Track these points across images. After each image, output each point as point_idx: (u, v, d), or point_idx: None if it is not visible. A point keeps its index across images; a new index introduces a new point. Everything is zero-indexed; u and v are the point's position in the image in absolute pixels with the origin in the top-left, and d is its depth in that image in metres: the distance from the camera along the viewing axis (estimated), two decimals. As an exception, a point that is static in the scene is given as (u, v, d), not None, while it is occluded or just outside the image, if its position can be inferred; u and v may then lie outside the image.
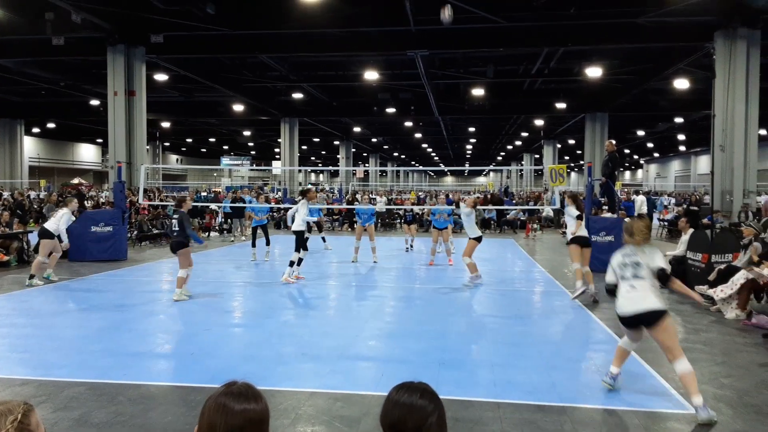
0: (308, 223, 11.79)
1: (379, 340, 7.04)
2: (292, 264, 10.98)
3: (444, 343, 6.85)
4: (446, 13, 12.79)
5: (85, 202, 20.71)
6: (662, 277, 4.76)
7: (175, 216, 9.49)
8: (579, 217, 9.54)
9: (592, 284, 9.29)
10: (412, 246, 16.34)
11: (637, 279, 4.78)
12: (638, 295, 4.76)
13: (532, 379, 5.51)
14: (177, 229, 9.29)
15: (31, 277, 10.43)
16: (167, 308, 8.87)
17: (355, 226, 15.71)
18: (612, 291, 5.07)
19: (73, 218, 11.86)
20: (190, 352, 6.41)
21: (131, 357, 6.16)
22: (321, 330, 7.48)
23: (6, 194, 26.88)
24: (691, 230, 10.62)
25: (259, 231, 14.61)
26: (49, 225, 10.78)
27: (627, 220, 6.00)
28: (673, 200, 29.46)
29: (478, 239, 10.90)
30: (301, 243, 10.86)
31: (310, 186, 25.32)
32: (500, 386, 5.29)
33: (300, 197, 11.38)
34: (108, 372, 5.60)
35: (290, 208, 12.31)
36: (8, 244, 12.95)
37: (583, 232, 9.61)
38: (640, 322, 4.85)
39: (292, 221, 11.11)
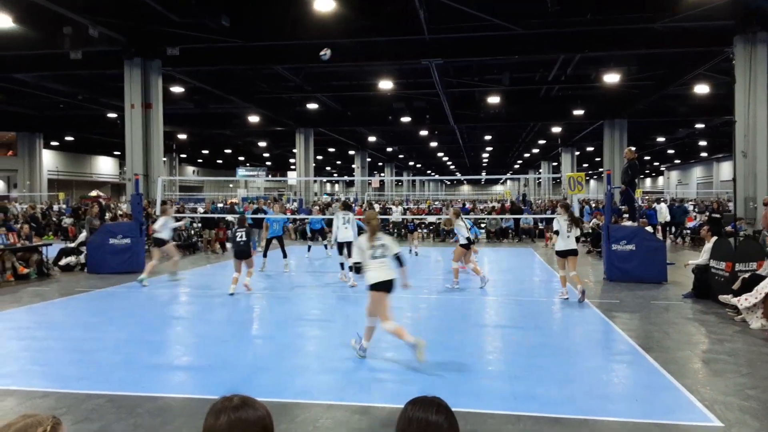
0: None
1: (396, 351, 6.97)
2: (351, 269, 11.54)
3: (462, 354, 6.76)
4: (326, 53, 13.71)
5: (106, 214, 20.96)
6: (400, 259, 6.33)
7: (242, 229, 10.93)
8: (555, 232, 10.29)
9: (580, 284, 10.03)
10: (416, 253, 16.79)
11: (385, 257, 6.28)
12: (387, 268, 6.36)
13: (552, 390, 5.41)
14: (244, 239, 10.77)
15: (141, 280, 11.71)
16: (184, 320, 8.90)
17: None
18: (359, 269, 6.56)
19: (173, 222, 13.04)
20: (207, 364, 6.40)
21: (149, 369, 6.16)
22: (337, 341, 7.43)
23: (20, 207, 27.28)
24: (714, 238, 10.44)
25: (275, 242, 14.45)
26: (161, 234, 12.06)
27: (369, 211, 8.76)
28: (691, 206, 28.68)
29: (465, 246, 11.58)
30: (349, 250, 11.72)
31: (348, 198, 26.16)
32: (519, 399, 5.20)
33: (345, 209, 12.42)
34: (127, 384, 5.60)
35: (305, 218, 12.89)
36: (28, 257, 13.10)
37: (561, 244, 10.14)
38: (390, 288, 6.33)
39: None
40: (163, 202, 14.56)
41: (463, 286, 11.68)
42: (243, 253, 10.79)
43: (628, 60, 20.64)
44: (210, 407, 1.64)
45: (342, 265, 12.36)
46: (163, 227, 12.15)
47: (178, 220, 14.38)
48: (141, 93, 17.66)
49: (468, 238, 11.65)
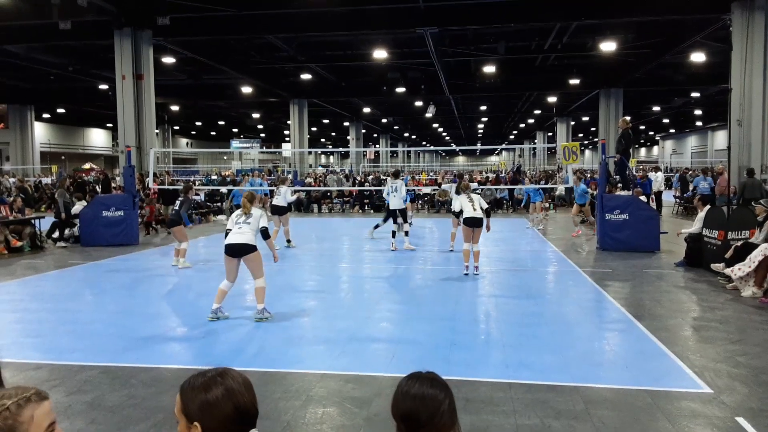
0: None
1: (389, 322, 7.01)
2: (407, 233, 12.71)
3: (455, 324, 6.81)
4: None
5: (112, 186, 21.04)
6: (264, 233, 7.02)
7: (180, 198, 10.90)
8: (458, 214, 10.06)
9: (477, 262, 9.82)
10: (410, 224, 16.63)
11: (246, 224, 6.96)
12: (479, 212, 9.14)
13: (544, 359, 5.46)
14: (176, 208, 10.75)
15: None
16: (178, 292, 8.91)
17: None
18: (457, 215, 9.70)
19: (291, 193, 13.61)
20: (201, 335, 6.42)
21: (143, 340, 6.18)
22: (331, 312, 7.47)
23: (12, 180, 27.10)
24: (706, 207, 10.45)
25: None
26: (278, 202, 12.69)
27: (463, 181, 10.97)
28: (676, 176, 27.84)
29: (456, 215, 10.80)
30: (404, 215, 12.58)
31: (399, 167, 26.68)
32: (512, 367, 5.24)
33: (394, 177, 13.31)
34: (120, 355, 5.63)
35: (300, 190, 13.22)
36: (21, 230, 13.04)
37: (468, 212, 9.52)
38: (476, 224, 9.21)
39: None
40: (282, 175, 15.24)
41: (451, 256, 11.71)
42: (169, 223, 11.11)
43: (624, 28, 20.38)
44: (187, 385, 1.56)
45: (393, 233, 12.72)
46: (284, 196, 12.68)
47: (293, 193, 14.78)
48: (132, 64, 17.38)
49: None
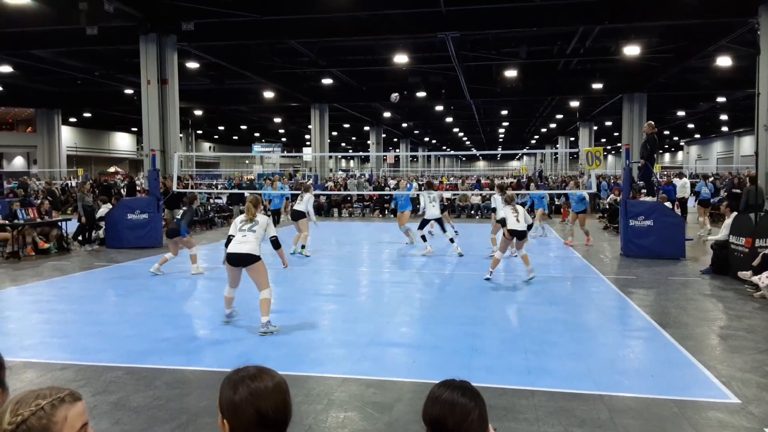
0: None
1: (410, 326, 7.00)
2: (452, 240, 13.04)
3: (476, 329, 6.77)
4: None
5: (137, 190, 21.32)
6: (274, 243, 6.79)
7: (183, 208, 11.13)
8: (501, 221, 10.01)
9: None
10: (456, 231, 16.59)
11: (251, 232, 6.61)
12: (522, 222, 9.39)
13: (567, 366, 5.40)
14: (178, 218, 10.80)
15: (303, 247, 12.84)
16: (201, 294, 8.99)
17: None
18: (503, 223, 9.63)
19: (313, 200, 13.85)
20: (223, 337, 6.47)
21: (167, 342, 6.25)
22: (352, 316, 7.49)
23: (38, 183, 27.60)
24: (733, 214, 10.27)
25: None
26: (300, 207, 12.86)
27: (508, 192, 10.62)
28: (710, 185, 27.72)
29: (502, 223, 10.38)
30: (441, 224, 12.95)
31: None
32: (534, 373, 5.19)
33: (429, 187, 13.42)
34: (145, 357, 5.70)
35: (320, 194, 13.43)
36: (48, 232, 13.29)
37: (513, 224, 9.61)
38: (520, 236, 9.38)
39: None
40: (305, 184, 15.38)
41: (471, 261, 11.65)
42: (168, 233, 10.97)
43: (648, 32, 20.12)
44: (224, 380, 1.59)
45: (424, 237, 12.93)
46: (306, 203, 12.84)
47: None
48: (157, 69, 17.62)
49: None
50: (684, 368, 5.38)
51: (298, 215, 12.95)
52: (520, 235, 9.63)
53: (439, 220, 12.80)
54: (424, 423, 1.64)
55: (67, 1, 16.01)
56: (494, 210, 13.33)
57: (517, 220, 9.57)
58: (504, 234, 9.78)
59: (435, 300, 8.65)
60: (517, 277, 10.20)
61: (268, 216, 9.11)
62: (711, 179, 20.83)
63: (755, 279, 8.21)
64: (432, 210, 12.59)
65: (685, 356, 5.68)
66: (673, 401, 4.55)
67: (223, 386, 1.57)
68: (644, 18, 16.79)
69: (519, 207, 9.87)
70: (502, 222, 9.93)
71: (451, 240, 13.06)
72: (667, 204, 14.08)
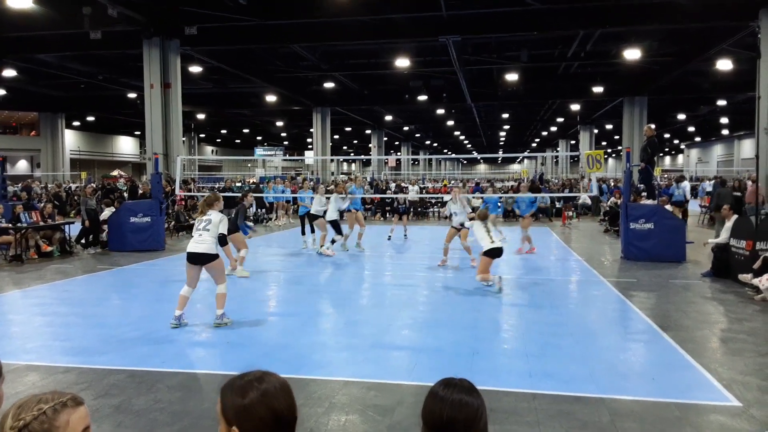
0: None
1: (412, 330, 7.01)
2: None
3: (477, 332, 6.78)
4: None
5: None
6: (221, 239, 7.13)
7: (237, 207, 10.95)
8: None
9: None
10: (394, 236, 16.10)
11: (205, 231, 6.78)
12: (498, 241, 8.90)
13: (569, 369, 5.41)
14: (231, 217, 10.20)
15: (321, 245, 13.09)
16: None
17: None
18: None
19: (341, 198, 13.83)
20: (227, 340, 6.49)
21: (169, 345, 6.27)
22: (354, 319, 7.50)
23: (39, 187, 27.65)
24: (734, 217, 10.28)
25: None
26: (317, 209, 13.07)
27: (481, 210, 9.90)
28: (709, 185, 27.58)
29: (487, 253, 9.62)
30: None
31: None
32: (535, 376, 5.21)
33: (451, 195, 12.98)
34: (147, 360, 5.71)
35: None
36: (51, 235, 13.33)
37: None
38: (496, 254, 8.88)
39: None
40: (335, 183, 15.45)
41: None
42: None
43: (649, 35, 20.17)
44: (224, 389, 1.57)
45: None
46: (333, 203, 13.02)
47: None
48: (160, 73, 17.70)
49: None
50: (685, 371, 5.39)
51: (314, 217, 13.20)
52: (500, 253, 9.20)
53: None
54: (425, 423, 1.60)
55: (72, 6, 16.09)
56: (449, 216, 12.35)
57: (491, 240, 9.08)
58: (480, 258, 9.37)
59: (437, 303, 8.66)
60: (517, 278, 10.21)
61: (228, 217, 8.97)
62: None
63: (756, 282, 8.22)
64: (459, 218, 11.70)
65: (686, 359, 5.68)
66: (675, 404, 4.56)
67: (225, 394, 1.55)
68: (645, 22, 16.84)
69: (490, 224, 9.37)
70: (461, 226, 10.41)
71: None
72: (668, 207, 14.07)
